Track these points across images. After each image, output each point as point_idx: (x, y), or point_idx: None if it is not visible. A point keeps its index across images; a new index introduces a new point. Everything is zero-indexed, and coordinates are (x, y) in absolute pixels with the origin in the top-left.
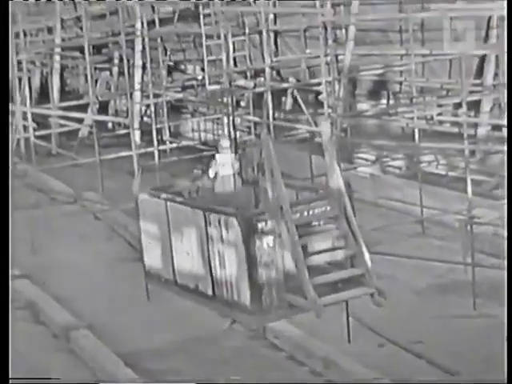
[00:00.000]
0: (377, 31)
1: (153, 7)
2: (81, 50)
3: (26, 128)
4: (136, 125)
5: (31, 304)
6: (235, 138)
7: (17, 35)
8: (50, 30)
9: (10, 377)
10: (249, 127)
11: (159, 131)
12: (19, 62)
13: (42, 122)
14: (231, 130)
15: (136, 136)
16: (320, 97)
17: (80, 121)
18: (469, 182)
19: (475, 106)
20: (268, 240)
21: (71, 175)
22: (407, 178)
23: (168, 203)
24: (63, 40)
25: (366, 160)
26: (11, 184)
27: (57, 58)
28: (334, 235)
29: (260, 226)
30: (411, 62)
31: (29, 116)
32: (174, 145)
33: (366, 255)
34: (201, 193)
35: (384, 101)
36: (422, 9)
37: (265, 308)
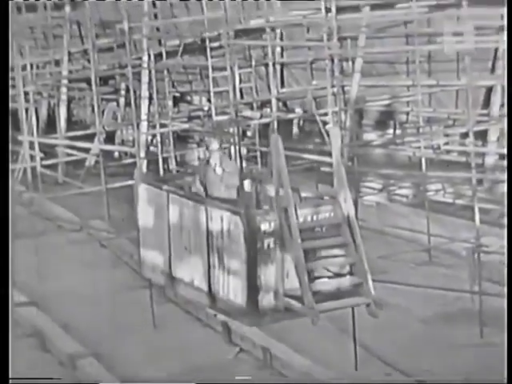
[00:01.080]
0: (383, 63)
1: (160, 41)
2: (88, 81)
3: (32, 157)
4: (142, 154)
5: (38, 331)
6: (241, 168)
7: (24, 68)
8: (57, 63)
9: (9, 377)
10: (255, 157)
11: (165, 160)
12: (26, 94)
13: (48, 151)
14: (237, 159)
15: (142, 165)
16: (327, 127)
17: (86, 150)
18: (476, 210)
19: (482, 135)
20: (269, 241)
21: (77, 203)
22: (414, 207)
23: (170, 195)
24: (70, 72)
25: (373, 189)
26: (18, 212)
27: (64, 89)
28: (336, 242)
29: (263, 226)
30: (418, 93)
31: (36, 146)
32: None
33: (366, 265)
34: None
35: (391, 131)
36: (429, 41)
37: (260, 310)
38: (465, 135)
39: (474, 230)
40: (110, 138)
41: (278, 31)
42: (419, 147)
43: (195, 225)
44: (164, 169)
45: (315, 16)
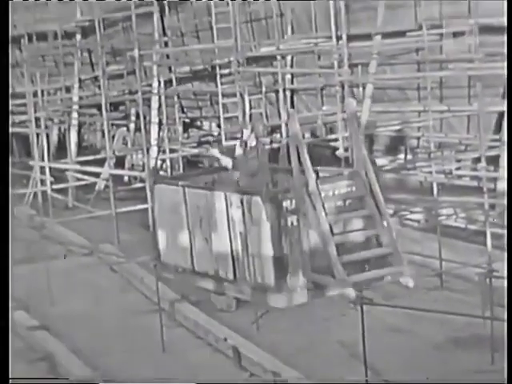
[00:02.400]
0: (394, 89)
1: (170, 67)
2: (98, 107)
3: (43, 181)
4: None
5: (49, 356)
6: None
7: (35, 94)
8: (68, 89)
9: (10, 377)
10: None
11: None
12: (37, 119)
13: (59, 175)
14: None
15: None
16: (337, 152)
17: (97, 175)
18: (488, 235)
19: (494, 160)
20: (292, 219)
21: (87, 228)
22: (426, 231)
23: (186, 189)
24: (81, 98)
25: None
26: (29, 236)
27: (74, 114)
28: (361, 215)
29: (285, 204)
30: (429, 118)
31: (46, 170)
32: None
33: (394, 234)
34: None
35: (402, 156)
36: (441, 67)
37: (290, 288)
38: (477, 160)
39: (486, 255)
40: (119, 162)
41: (289, 58)
42: (431, 172)
43: (214, 214)
44: None
45: (326, 44)
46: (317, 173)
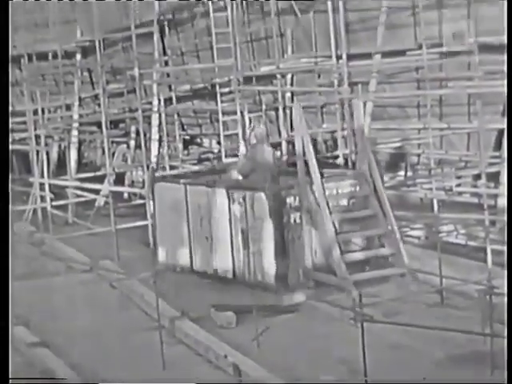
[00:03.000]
0: (394, 107)
1: (170, 86)
2: (98, 124)
3: (43, 198)
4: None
5: (48, 372)
6: None
7: (35, 112)
8: (68, 107)
9: (9, 377)
10: None
11: None
12: (37, 137)
13: (58, 192)
14: None
15: (151, 206)
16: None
17: (96, 191)
18: (489, 251)
19: (495, 177)
20: (296, 216)
21: (87, 244)
22: (426, 248)
23: (188, 187)
24: (81, 116)
25: None
26: (29, 253)
27: (74, 132)
28: (364, 215)
29: (288, 201)
30: (429, 136)
31: (46, 187)
32: None
33: (397, 235)
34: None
35: (402, 172)
36: (441, 86)
37: (291, 287)
38: (477, 177)
39: (486, 271)
40: (119, 179)
41: (289, 77)
42: (431, 189)
43: (216, 211)
44: None
45: (326, 63)
46: (321, 173)
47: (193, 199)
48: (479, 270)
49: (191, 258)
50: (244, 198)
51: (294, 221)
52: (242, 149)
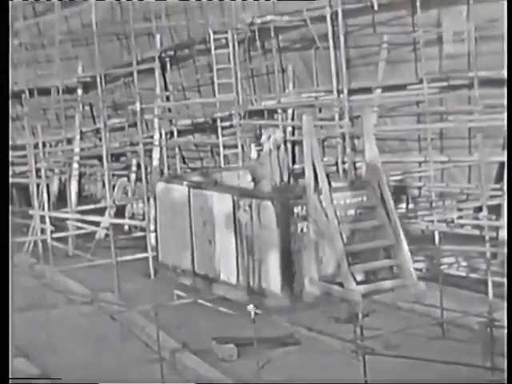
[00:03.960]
0: (395, 140)
1: (171, 120)
2: (99, 158)
3: (43, 230)
4: (152, 227)
5: None
6: None
7: (36, 146)
8: (69, 141)
9: (10, 377)
10: None
11: None
12: (38, 170)
13: (59, 224)
14: None
15: (152, 238)
16: None
17: (97, 224)
18: (490, 284)
19: (496, 209)
20: (303, 225)
21: (88, 276)
22: (427, 280)
23: (191, 190)
24: (82, 149)
25: None
26: (29, 284)
27: (75, 165)
28: (371, 225)
29: (296, 210)
30: (430, 169)
31: (47, 219)
32: None
33: (405, 247)
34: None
35: (403, 205)
36: (441, 119)
37: (296, 296)
38: (478, 209)
39: (487, 304)
40: (120, 212)
41: (290, 111)
42: (432, 221)
43: (221, 216)
44: None
45: (327, 98)
46: (329, 183)
47: (195, 202)
48: (480, 302)
49: (193, 260)
50: (250, 206)
51: (301, 230)
52: (254, 154)
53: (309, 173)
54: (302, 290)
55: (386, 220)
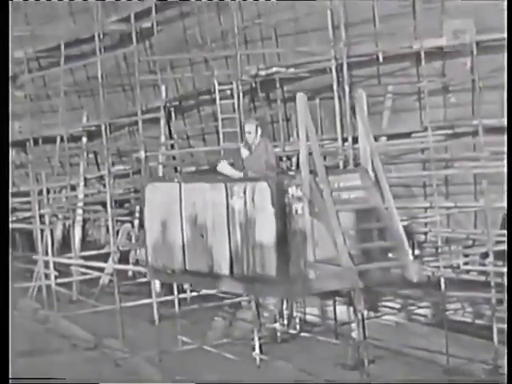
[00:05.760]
0: (400, 186)
1: (175, 168)
2: (103, 204)
3: (47, 275)
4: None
5: None
6: None
7: (40, 192)
8: (73, 188)
9: (9, 377)
10: None
11: None
12: (42, 216)
13: (63, 269)
14: None
15: (156, 284)
16: None
17: (101, 269)
18: (495, 330)
19: (502, 255)
20: (298, 207)
21: (92, 321)
22: (433, 326)
23: (182, 184)
24: (86, 196)
25: (392, 308)
26: (34, 329)
27: (79, 211)
28: (365, 207)
29: (291, 190)
30: (436, 214)
31: (51, 265)
32: (195, 293)
33: (400, 228)
34: None
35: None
36: (446, 166)
37: (292, 279)
38: (485, 255)
39: (492, 350)
40: (124, 257)
41: (294, 159)
42: (438, 267)
43: (213, 207)
44: (178, 288)
45: (332, 145)
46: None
47: (187, 197)
48: (485, 348)
49: (184, 257)
50: (245, 191)
51: (296, 211)
52: (244, 152)
53: (303, 152)
54: (299, 272)
55: (381, 202)
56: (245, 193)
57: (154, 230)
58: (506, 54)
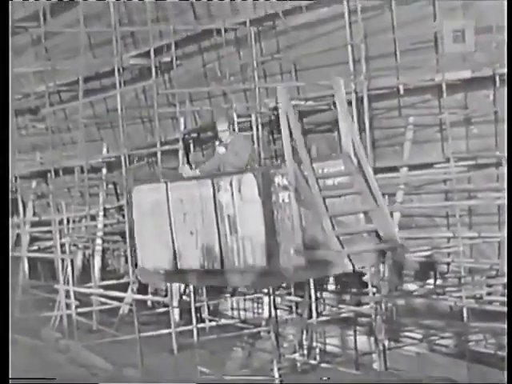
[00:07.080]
0: (422, 216)
1: None
2: (122, 234)
3: (68, 305)
4: (175, 303)
5: None
6: (276, 317)
7: (61, 222)
8: (92, 217)
9: (9, 377)
10: (290, 306)
11: (198, 310)
12: (62, 245)
13: (83, 299)
14: (272, 309)
15: (175, 314)
16: (364, 278)
17: (120, 299)
18: None
19: None
20: (284, 195)
21: (111, 351)
22: (455, 357)
23: (169, 184)
24: (105, 225)
25: (413, 338)
26: (55, 359)
27: (98, 241)
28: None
29: (277, 180)
30: (459, 245)
31: (71, 294)
32: (213, 323)
33: (386, 211)
34: None
35: (431, 281)
36: (469, 196)
37: (283, 267)
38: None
39: None
40: (143, 287)
41: None
42: (460, 297)
43: (201, 203)
44: (197, 318)
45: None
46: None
47: (174, 195)
48: None
49: (175, 257)
50: (231, 183)
51: (283, 200)
52: (221, 150)
53: (286, 141)
54: (289, 260)
55: (365, 186)
56: (231, 185)
57: (143, 232)
58: (506, 54)
